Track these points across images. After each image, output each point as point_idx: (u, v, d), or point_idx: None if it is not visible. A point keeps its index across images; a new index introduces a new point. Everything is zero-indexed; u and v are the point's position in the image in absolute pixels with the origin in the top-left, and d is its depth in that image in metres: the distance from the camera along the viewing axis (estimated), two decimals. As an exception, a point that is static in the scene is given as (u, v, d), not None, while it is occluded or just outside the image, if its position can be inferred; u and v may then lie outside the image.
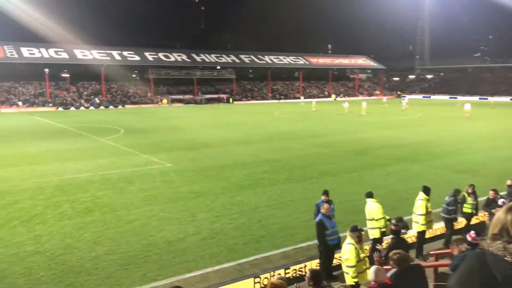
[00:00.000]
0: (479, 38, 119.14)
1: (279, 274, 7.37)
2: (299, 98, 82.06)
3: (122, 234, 10.44)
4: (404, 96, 75.80)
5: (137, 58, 76.58)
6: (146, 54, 78.54)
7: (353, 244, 6.93)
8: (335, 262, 8.28)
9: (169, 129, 34.02)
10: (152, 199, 13.60)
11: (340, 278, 7.73)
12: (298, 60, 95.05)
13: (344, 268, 7.04)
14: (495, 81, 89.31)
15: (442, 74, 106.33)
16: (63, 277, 8.23)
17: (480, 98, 76.98)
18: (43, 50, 68.14)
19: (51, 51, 68.51)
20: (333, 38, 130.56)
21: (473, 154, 21.39)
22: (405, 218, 9.36)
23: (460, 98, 77.58)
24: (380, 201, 9.33)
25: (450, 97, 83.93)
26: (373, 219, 8.76)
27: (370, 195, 9.14)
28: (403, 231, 8.03)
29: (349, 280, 6.87)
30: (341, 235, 8.37)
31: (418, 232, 9.27)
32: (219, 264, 8.82)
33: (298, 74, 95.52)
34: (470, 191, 10.42)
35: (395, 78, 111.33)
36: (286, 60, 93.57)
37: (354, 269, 6.84)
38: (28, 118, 46.23)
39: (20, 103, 62.69)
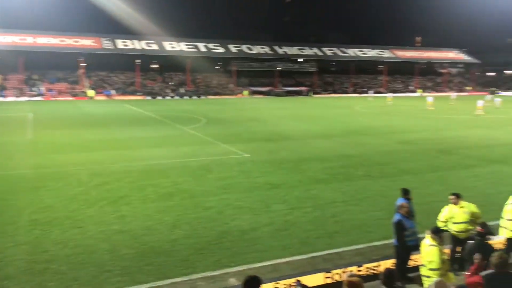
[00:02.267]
0: None
1: (351, 271, 7.19)
2: (381, 92, 79.13)
3: (199, 220, 10.84)
4: (499, 93, 69.92)
5: (222, 50, 78.73)
6: (230, 46, 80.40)
7: (436, 246, 6.58)
8: (410, 263, 7.91)
9: (249, 121, 34.58)
10: (229, 188, 13.94)
11: (415, 280, 7.38)
12: (384, 53, 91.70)
13: (425, 272, 6.67)
14: None
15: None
16: (144, 256, 8.74)
17: None
18: (135, 42, 72.82)
19: (143, 43, 72.92)
20: (423, 29, 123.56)
21: None
22: (494, 223, 8.70)
23: None
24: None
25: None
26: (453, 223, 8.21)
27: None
28: (487, 236, 7.45)
29: (429, 283, 6.50)
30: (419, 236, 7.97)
31: (507, 239, 8.53)
32: (291, 256, 8.82)
33: (382, 67, 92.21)
34: None
35: (490, 74, 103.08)
36: (371, 53, 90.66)
37: (437, 272, 6.48)
38: (119, 106, 49.62)
39: (113, 91, 67.43)
